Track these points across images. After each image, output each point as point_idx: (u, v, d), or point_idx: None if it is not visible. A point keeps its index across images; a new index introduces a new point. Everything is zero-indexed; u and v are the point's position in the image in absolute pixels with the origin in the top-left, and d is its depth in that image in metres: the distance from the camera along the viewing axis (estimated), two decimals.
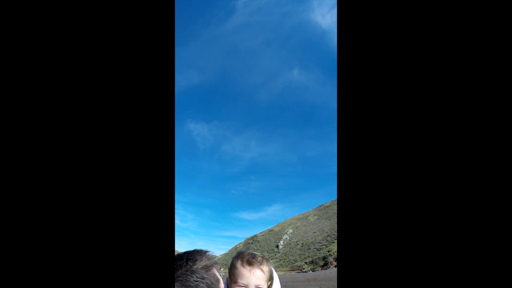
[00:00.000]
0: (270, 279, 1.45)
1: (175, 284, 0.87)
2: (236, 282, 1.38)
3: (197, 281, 0.91)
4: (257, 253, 1.47)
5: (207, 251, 1.06)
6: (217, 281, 1.00)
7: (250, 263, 1.40)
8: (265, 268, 1.42)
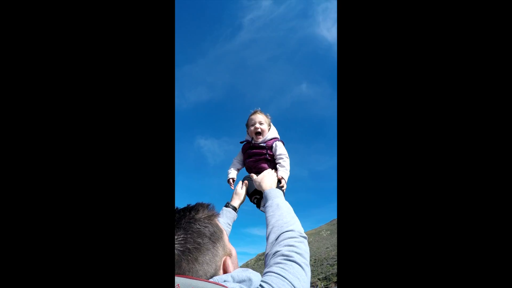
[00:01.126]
0: (269, 124, 2.26)
1: (177, 232, 0.86)
2: (249, 126, 2.21)
3: (199, 228, 0.90)
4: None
5: (209, 204, 1.07)
6: (221, 231, 1.00)
7: (254, 111, 2.25)
8: (264, 114, 2.24)
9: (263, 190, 1.79)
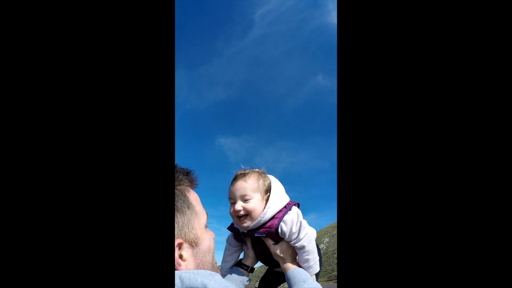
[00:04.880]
0: (266, 190, 1.33)
1: None
2: (231, 204, 1.32)
3: None
4: (251, 169, 1.39)
5: (183, 169, 0.85)
6: (187, 205, 0.79)
7: (234, 178, 1.34)
8: (251, 179, 1.31)
9: (285, 269, 1.30)
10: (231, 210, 1.29)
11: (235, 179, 1.33)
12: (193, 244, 0.77)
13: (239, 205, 1.26)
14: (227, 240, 1.48)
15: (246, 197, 1.27)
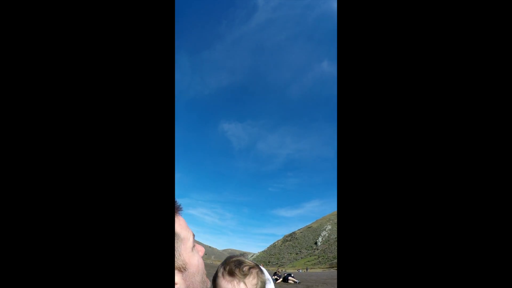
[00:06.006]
0: None
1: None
2: None
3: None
4: (247, 261, 1.21)
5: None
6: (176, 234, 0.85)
7: (231, 273, 1.13)
8: (252, 280, 1.14)
9: None
10: None
11: (233, 276, 1.13)
12: (182, 269, 0.82)
13: None
14: None
15: None
